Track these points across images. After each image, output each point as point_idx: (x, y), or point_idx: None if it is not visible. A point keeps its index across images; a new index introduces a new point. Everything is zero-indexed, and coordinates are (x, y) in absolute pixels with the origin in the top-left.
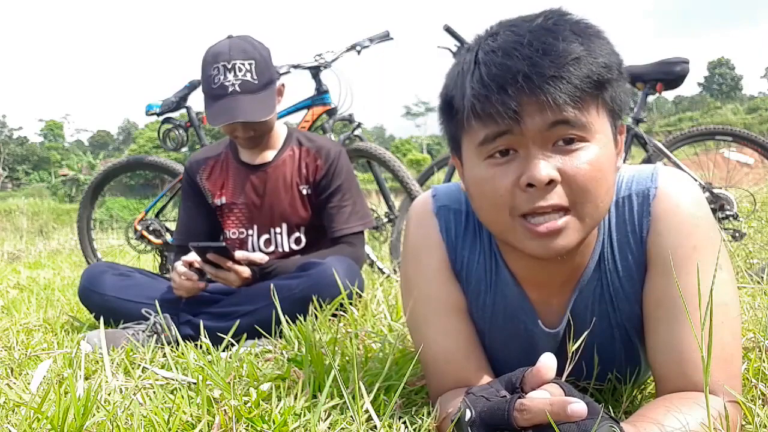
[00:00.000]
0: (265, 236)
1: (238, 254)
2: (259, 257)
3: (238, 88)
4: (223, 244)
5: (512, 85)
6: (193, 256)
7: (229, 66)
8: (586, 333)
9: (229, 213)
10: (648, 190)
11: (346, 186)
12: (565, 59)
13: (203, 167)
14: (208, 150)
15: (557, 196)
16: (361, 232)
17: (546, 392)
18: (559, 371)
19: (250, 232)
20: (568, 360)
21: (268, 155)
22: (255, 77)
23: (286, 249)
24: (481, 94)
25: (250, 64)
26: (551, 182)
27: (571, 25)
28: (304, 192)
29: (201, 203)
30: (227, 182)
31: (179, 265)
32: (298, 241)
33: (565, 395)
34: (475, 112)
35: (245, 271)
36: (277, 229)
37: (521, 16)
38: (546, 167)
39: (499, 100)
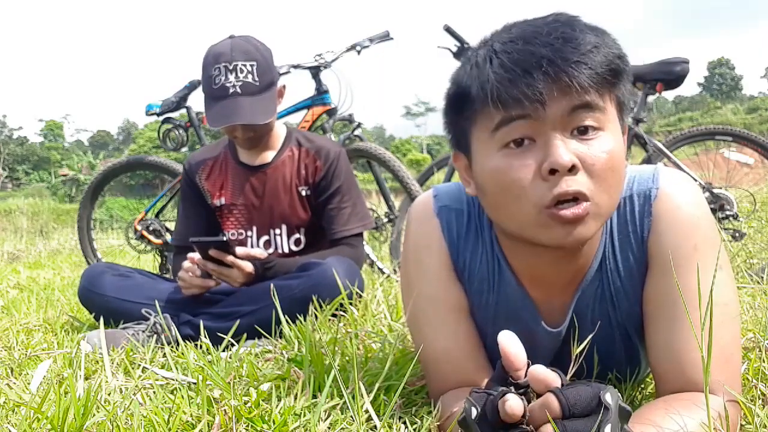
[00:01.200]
0: (265, 237)
1: (239, 250)
2: (259, 252)
3: (239, 90)
4: (224, 238)
5: (537, 69)
6: (196, 254)
7: (231, 67)
8: (591, 335)
9: (228, 214)
10: (649, 191)
11: (346, 187)
12: (585, 47)
13: (202, 167)
14: (206, 150)
15: (578, 183)
16: (361, 234)
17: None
18: (563, 371)
19: (249, 233)
20: (573, 360)
21: (268, 156)
22: (256, 79)
23: (286, 250)
24: (506, 78)
25: (251, 66)
26: (573, 168)
27: (583, 23)
28: (304, 193)
29: (200, 203)
30: (227, 183)
31: (186, 264)
32: (297, 242)
33: (562, 410)
34: (498, 97)
35: (247, 266)
36: (277, 231)
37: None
38: (567, 152)
39: (525, 83)
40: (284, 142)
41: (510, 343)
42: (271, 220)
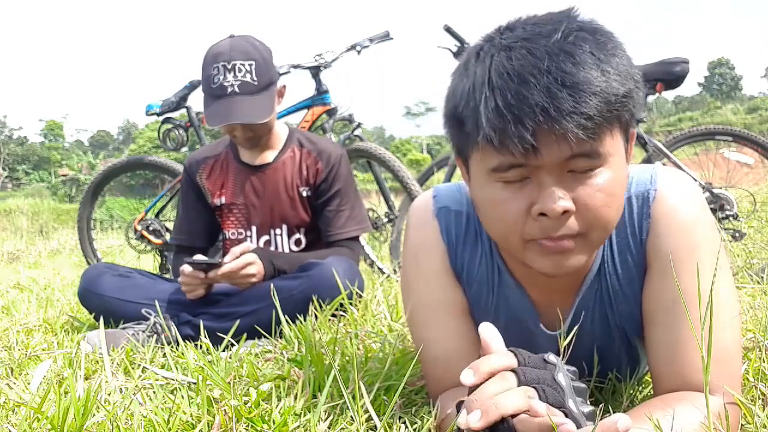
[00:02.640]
0: (265, 237)
1: (234, 250)
2: (246, 245)
3: (237, 89)
4: (219, 260)
5: (530, 118)
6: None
7: (229, 66)
8: (574, 331)
9: (228, 213)
10: (647, 192)
11: (345, 190)
12: (584, 93)
13: (203, 166)
14: (207, 149)
15: (567, 228)
16: (357, 237)
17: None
18: None
19: (249, 233)
20: (564, 360)
21: (269, 156)
22: (255, 78)
23: (287, 250)
24: (498, 127)
25: (250, 65)
26: (565, 212)
27: (590, 44)
28: (304, 194)
29: (200, 202)
30: (227, 182)
31: (185, 267)
32: (298, 242)
33: (518, 363)
34: (491, 142)
35: (249, 257)
36: (277, 231)
37: (536, 22)
38: (560, 198)
39: (515, 133)
40: (286, 142)
41: (490, 334)
42: (272, 220)
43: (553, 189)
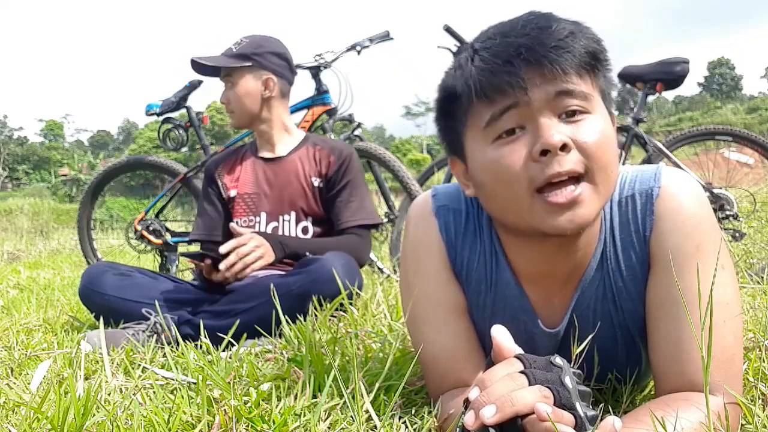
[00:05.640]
0: (274, 224)
1: (229, 245)
2: (244, 238)
3: (221, 53)
4: (209, 252)
5: (517, 57)
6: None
7: (235, 41)
8: (591, 336)
9: (240, 202)
10: (651, 190)
11: (356, 183)
12: (562, 33)
13: (222, 165)
14: (229, 151)
15: (572, 162)
16: (368, 227)
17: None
18: None
19: (258, 218)
20: (572, 361)
21: (284, 150)
22: (236, 49)
23: (293, 236)
24: (487, 70)
25: (243, 41)
26: (564, 147)
27: (557, 16)
28: (316, 184)
29: (217, 198)
30: (242, 174)
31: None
32: (305, 230)
33: (525, 367)
34: (482, 89)
35: (245, 234)
36: (286, 216)
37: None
38: (558, 133)
39: (506, 71)
40: (301, 141)
41: (503, 336)
42: (281, 205)
43: (550, 125)
